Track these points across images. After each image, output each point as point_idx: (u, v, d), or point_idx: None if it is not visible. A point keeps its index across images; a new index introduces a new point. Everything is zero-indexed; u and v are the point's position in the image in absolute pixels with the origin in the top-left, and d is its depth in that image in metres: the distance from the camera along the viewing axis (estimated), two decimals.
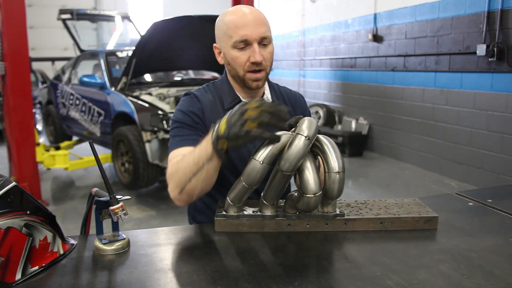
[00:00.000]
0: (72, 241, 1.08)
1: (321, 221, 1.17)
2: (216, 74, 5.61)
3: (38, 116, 7.41)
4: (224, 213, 1.17)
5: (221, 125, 1.02)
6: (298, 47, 8.52)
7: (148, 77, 5.43)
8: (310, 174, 1.06)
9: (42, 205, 0.98)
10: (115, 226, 1.09)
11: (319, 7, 7.74)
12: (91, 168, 5.20)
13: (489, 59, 4.28)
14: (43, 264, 0.95)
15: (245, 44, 1.25)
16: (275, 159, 1.06)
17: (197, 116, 1.32)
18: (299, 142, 1.01)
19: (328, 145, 1.09)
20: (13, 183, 0.93)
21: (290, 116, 1.15)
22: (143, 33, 4.35)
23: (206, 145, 1.07)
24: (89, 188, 1.38)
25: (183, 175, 1.11)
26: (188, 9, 8.04)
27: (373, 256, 1.03)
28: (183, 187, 1.12)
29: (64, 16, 5.88)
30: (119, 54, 5.35)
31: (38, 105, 7.25)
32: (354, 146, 6.16)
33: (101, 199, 1.06)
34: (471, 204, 1.43)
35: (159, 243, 1.12)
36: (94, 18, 6.62)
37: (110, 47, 6.53)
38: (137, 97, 4.44)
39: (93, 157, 1.08)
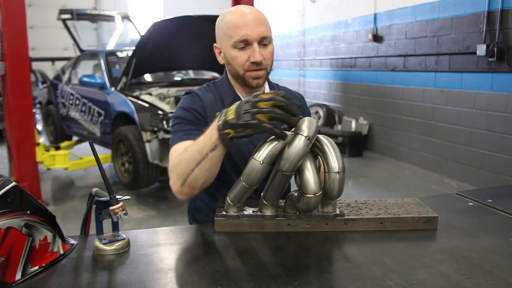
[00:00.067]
0: (72, 241, 1.08)
1: (321, 221, 1.17)
2: (216, 74, 5.61)
3: (38, 116, 7.40)
4: (224, 213, 1.17)
5: (230, 112, 1.01)
6: (298, 47, 8.52)
7: (148, 77, 5.43)
8: (310, 174, 1.06)
9: (42, 205, 0.98)
10: (115, 226, 1.09)
11: (319, 7, 7.74)
12: (91, 168, 5.20)
13: (489, 59, 4.28)
14: (43, 264, 0.95)
15: (245, 44, 1.25)
16: (275, 159, 1.06)
17: (198, 113, 1.32)
18: (299, 142, 1.01)
19: (328, 145, 1.09)
20: (13, 183, 0.93)
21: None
22: (143, 33, 4.35)
23: (210, 133, 1.05)
24: (89, 188, 1.38)
25: (186, 165, 1.11)
26: (188, 9, 8.04)
27: (373, 256, 1.03)
28: (185, 178, 1.11)
29: (64, 16, 5.89)
30: (119, 54, 5.35)
31: (38, 105, 7.25)
32: (354, 146, 6.16)
33: (101, 199, 1.06)
34: (471, 204, 1.43)
35: (159, 243, 1.12)
36: (94, 18, 6.62)
37: (110, 47, 6.53)
38: (137, 97, 4.44)
39: (93, 157, 1.08)
